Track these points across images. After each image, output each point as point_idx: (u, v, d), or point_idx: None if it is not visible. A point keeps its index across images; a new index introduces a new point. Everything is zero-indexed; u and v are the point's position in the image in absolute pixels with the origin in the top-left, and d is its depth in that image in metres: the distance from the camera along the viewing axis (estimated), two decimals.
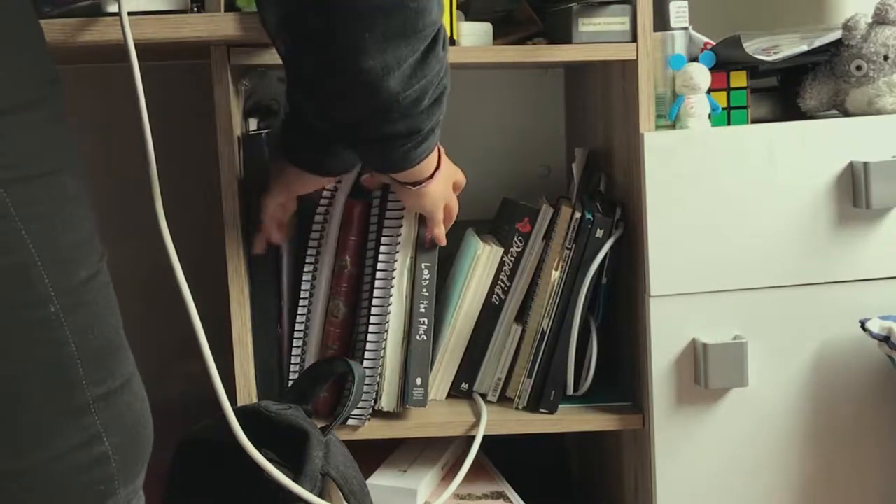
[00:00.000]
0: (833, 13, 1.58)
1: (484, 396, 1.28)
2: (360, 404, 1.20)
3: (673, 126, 1.22)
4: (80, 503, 0.74)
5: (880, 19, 1.21)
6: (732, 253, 1.18)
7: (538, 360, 1.24)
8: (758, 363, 1.18)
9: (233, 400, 1.09)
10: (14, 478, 0.71)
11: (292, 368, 1.23)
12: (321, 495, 1.04)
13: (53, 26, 1.03)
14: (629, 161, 1.23)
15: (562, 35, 1.20)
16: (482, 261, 1.25)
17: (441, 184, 1.12)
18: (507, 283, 1.26)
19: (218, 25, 1.07)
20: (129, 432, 0.77)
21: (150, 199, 0.98)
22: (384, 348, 1.20)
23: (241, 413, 1.04)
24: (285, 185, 1.15)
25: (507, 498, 1.26)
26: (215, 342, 1.03)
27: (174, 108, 1.47)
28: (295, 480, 1.02)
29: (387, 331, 1.20)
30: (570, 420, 1.25)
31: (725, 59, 1.23)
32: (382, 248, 1.20)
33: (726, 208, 1.17)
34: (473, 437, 1.21)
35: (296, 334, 1.23)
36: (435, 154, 1.07)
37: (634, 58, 1.18)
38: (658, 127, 1.20)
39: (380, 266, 1.20)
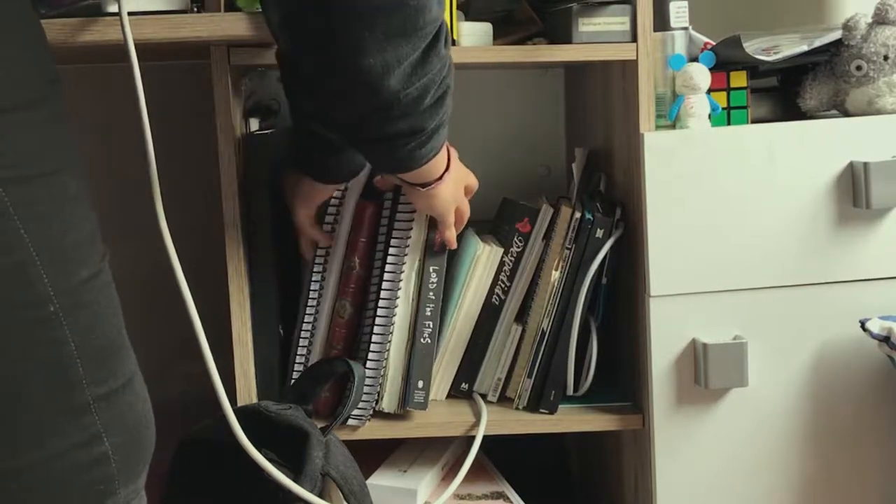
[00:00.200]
0: (833, 13, 1.58)
1: (484, 396, 1.28)
2: (361, 405, 1.20)
3: (673, 126, 1.21)
4: (80, 503, 0.74)
5: (880, 19, 1.21)
6: (732, 253, 1.18)
7: (538, 360, 1.24)
8: (758, 363, 1.18)
9: (233, 400, 1.09)
10: (13, 477, 0.71)
11: (296, 367, 1.23)
12: (321, 495, 1.04)
13: (53, 26, 1.03)
14: (629, 161, 1.23)
15: (562, 35, 1.20)
16: (482, 261, 1.25)
17: (451, 186, 1.12)
18: (507, 284, 1.26)
19: (218, 25, 1.07)
20: (130, 432, 0.77)
21: (150, 199, 0.98)
22: (388, 350, 1.20)
23: (241, 413, 1.04)
24: (304, 198, 1.18)
25: (507, 498, 1.26)
26: (215, 342, 1.03)
27: (174, 108, 1.47)
28: (295, 480, 1.02)
29: (391, 332, 1.20)
30: (570, 420, 1.25)
31: (725, 59, 1.23)
32: (391, 251, 1.20)
33: (726, 208, 1.17)
34: (473, 437, 1.21)
35: (302, 333, 1.23)
36: (444, 155, 1.07)
37: (634, 58, 1.18)
38: (658, 127, 1.20)
39: (388, 268, 1.20)
